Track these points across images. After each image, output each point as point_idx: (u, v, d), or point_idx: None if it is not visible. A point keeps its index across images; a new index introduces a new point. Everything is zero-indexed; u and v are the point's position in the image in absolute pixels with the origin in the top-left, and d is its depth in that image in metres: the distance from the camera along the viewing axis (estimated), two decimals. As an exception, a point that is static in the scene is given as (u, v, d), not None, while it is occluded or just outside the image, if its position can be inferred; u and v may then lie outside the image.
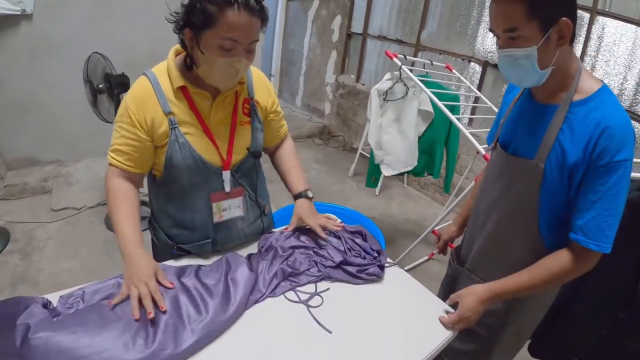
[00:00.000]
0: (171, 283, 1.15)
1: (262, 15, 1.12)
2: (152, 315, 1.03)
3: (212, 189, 1.33)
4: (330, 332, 1.15)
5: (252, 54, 1.16)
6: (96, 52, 2.70)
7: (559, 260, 1.14)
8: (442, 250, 1.72)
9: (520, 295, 1.23)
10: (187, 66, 1.21)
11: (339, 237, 1.46)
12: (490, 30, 1.09)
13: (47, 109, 3.52)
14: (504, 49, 1.06)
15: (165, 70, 1.23)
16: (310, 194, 1.50)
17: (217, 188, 1.34)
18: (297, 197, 1.49)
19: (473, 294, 1.23)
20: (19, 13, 3.14)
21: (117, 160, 1.24)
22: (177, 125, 1.22)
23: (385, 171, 2.94)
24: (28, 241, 2.95)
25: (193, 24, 1.09)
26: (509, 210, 1.25)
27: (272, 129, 1.50)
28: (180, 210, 1.36)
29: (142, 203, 3.49)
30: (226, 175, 1.33)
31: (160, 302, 1.07)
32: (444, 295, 1.48)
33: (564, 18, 0.99)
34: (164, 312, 1.06)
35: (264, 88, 1.41)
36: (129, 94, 1.23)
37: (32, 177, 3.51)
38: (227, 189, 1.35)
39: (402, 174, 3.05)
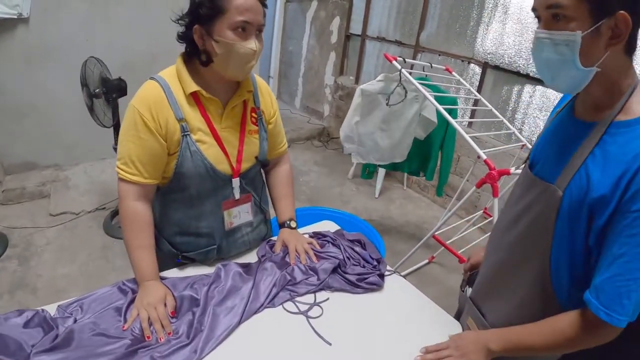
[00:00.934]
0: (172, 312, 1.16)
1: (263, 2, 1.16)
2: (163, 340, 1.07)
3: (221, 197, 1.34)
4: (329, 344, 1.14)
5: (261, 38, 1.19)
6: (92, 57, 2.69)
7: (569, 320, 0.94)
8: (464, 275, 1.46)
9: (524, 351, 1.01)
10: (203, 63, 1.18)
11: (337, 246, 1.44)
12: (533, 9, 0.90)
13: (45, 113, 3.51)
14: (543, 30, 0.87)
15: (174, 75, 1.22)
16: (293, 224, 1.52)
17: (227, 195, 1.35)
18: (281, 225, 1.52)
19: (472, 334, 1.11)
20: (15, 17, 3.13)
21: (131, 174, 1.19)
22: (189, 132, 1.21)
23: (354, 159, 3.06)
24: (26, 246, 2.93)
25: (202, 17, 1.12)
26: (521, 236, 1.05)
27: (270, 140, 1.46)
28: (186, 217, 1.34)
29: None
30: (236, 182, 1.34)
31: (168, 327, 1.11)
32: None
33: (622, 11, 0.80)
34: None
35: (267, 97, 1.43)
36: (138, 98, 1.18)
37: (30, 182, 3.50)
38: (237, 196, 1.36)
39: (397, 169, 3.08)
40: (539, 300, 1.02)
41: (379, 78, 2.77)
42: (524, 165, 1.13)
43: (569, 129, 0.99)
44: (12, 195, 3.39)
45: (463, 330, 1.23)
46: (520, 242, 1.05)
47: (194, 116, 1.22)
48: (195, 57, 1.20)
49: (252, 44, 1.14)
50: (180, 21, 1.17)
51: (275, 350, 1.10)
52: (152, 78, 1.22)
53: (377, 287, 1.35)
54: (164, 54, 1.20)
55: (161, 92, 1.19)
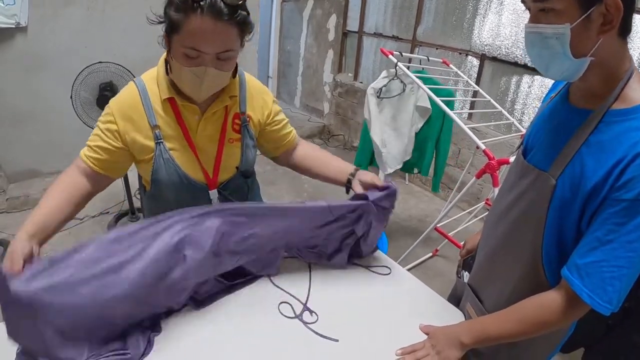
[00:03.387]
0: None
1: (236, 21, 1.01)
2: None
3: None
4: (336, 340, 1.12)
5: (226, 63, 1.07)
6: (87, 67, 2.71)
7: (539, 303, 0.94)
8: (459, 261, 1.50)
9: (496, 340, 1.00)
10: (166, 70, 1.15)
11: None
12: (522, 0, 0.90)
13: (45, 121, 3.52)
14: (531, 24, 0.87)
15: (154, 78, 1.18)
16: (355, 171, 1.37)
17: None
18: (347, 181, 1.36)
19: (442, 330, 1.10)
20: (13, 26, 3.14)
21: (86, 157, 1.17)
22: (162, 140, 1.17)
23: (385, 170, 2.94)
24: (31, 253, 2.93)
25: (166, 28, 1.04)
26: (515, 223, 1.04)
27: (274, 139, 1.40)
28: None
29: (142, 210, 3.46)
30: (213, 194, 1.28)
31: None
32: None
33: None
34: None
35: (259, 100, 1.32)
36: (116, 99, 1.17)
37: (33, 189, 3.51)
38: None
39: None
40: (531, 287, 1.00)
41: (382, 75, 2.76)
42: (517, 152, 1.12)
43: (563, 116, 0.97)
44: (16, 204, 3.41)
45: (465, 318, 1.23)
46: (513, 229, 1.05)
47: (168, 122, 1.18)
48: None
49: (201, 73, 1.04)
50: (152, 22, 1.09)
51: (277, 348, 1.09)
52: (133, 79, 1.20)
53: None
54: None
55: (137, 96, 1.16)
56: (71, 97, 2.73)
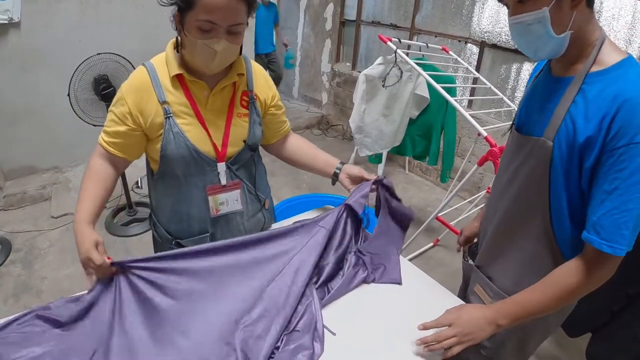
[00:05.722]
0: (109, 258, 1.09)
1: None
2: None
3: (207, 182, 1.31)
4: (334, 333, 1.11)
5: (236, 37, 1.14)
6: (86, 59, 2.68)
7: (567, 270, 0.97)
8: (464, 247, 1.52)
9: (532, 316, 1.02)
10: (176, 48, 1.21)
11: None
12: (499, 0, 1.00)
13: (41, 116, 3.49)
14: (513, 17, 0.95)
15: (163, 60, 1.23)
16: (341, 166, 1.48)
17: (213, 181, 1.31)
18: (334, 174, 1.47)
19: (473, 306, 1.10)
20: (6, 22, 3.10)
21: (105, 142, 1.24)
22: (171, 114, 1.21)
23: (361, 152, 3.03)
24: (29, 250, 2.93)
25: (179, 6, 1.10)
26: (518, 196, 1.09)
27: (274, 124, 1.47)
28: (177, 203, 1.33)
29: (139, 204, 3.46)
30: (221, 167, 1.30)
31: (107, 269, 1.09)
32: (461, 296, 1.38)
33: None
34: None
35: (263, 82, 1.39)
36: (127, 82, 1.23)
37: (30, 186, 3.49)
38: (224, 181, 1.32)
39: (401, 154, 3.06)
40: (545, 254, 1.06)
41: (378, 61, 2.74)
42: (510, 132, 1.19)
43: (548, 86, 1.05)
44: (14, 201, 3.39)
45: (470, 300, 1.22)
46: (518, 200, 1.10)
47: (178, 98, 1.22)
48: None
49: (215, 44, 1.11)
50: (163, 3, 1.14)
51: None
52: (143, 64, 1.25)
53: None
54: (157, 51, 1.20)
55: (146, 76, 1.21)
56: (68, 95, 2.70)
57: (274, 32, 5.42)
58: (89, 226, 1.13)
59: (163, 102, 1.20)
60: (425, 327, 1.06)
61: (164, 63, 1.23)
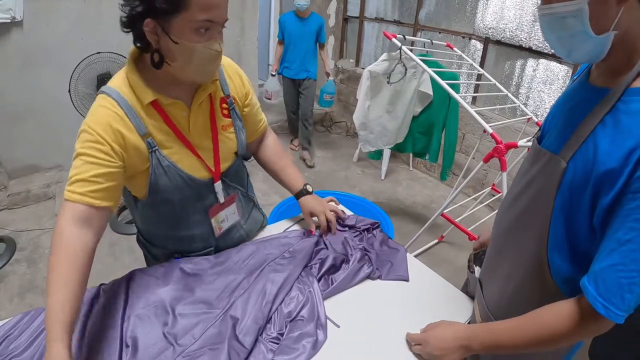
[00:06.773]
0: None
1: None
2: None
3: (206, 203, 1.24)
4: (338, 326, 1.11)
5: (222, 36, 1.02)
6: (85, 58, 2.67)
7: (557, 312, 0.83)
8: (470, 256, 1.36)
9: (507, 351, 0.91)
10: (155, 64, 1.00)
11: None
12: None
13: (44, 115, 3.48)
14: (544, 6, 0.77)
15: (126, 84, 1.05)
16: (310, 188, 1.45)
17: (212, 202, 1.25)
18: (299, 195, 1.44)
19: (449, 325, 1.03)
20: (9, 21, 3.09)
21: (78, 194, 0.96)
22: (156, 147, 1.07)
23: (364, 148, 3.01)
24: (34, 249, 2.93)
25: (157, 11, 0.92)
26: (521, 213, 0.94)
27: (249, 124, 1.34)
28: (174, 229, 1.25)
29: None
30: (218, 186, 1.24)
31: None
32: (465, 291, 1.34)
33: None
34: None
35: (236, 78, 1.26)
36: (92, 119, 1.00)
37: (34, 185, 3.49)
38: (222, 199, 1.26)
39: (402, 150, 3.10)
40: (535, 286, 0.92)
41: (382, 58, 2.72)
42: (533, 138, 1.03)
43: (580, 95, 0.88)
44: (18, 199, 3.39)
45: (473, 311, 1.20)
46: (519, 219, 0.95)
47: (158, 127, 1.08)
48: (145, 53, 1.02)
49: (215, 45, 0.99)
50: (125, 7, 0.95)
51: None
52: (102, 92, 1.05)
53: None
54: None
55: (117, 108, 1.02)
56: (69, 91, 2.69)
57: (318, 55, 4.34)
58: (65, 350, 0.80)
59: (144, 135, 1.05)
60: (408, 338, 1.07)
61: (128, 87, 1.04)
